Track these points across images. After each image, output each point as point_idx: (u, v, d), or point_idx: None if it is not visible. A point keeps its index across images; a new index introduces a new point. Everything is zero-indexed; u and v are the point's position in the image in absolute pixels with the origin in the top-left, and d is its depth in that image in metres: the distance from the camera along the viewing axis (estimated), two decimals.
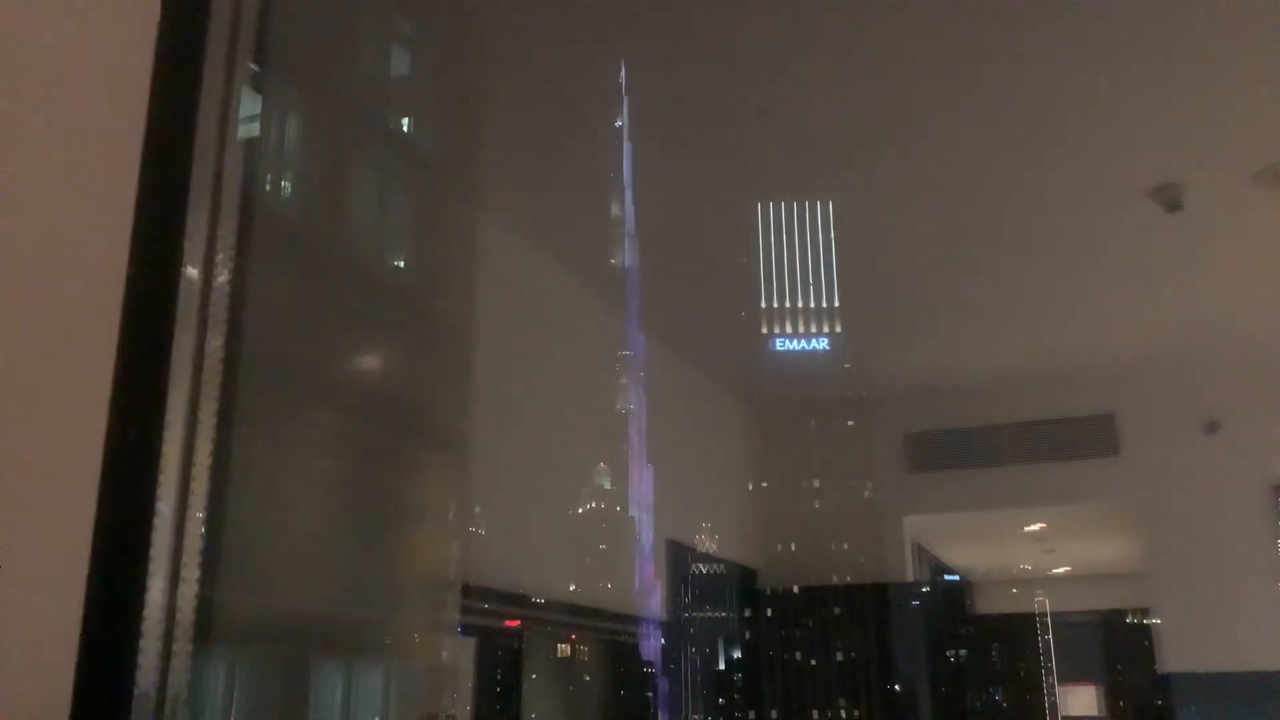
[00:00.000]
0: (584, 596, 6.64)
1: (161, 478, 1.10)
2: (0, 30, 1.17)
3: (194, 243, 1.16)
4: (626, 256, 6.42)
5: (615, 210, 6.15)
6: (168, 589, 1.11)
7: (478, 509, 5.16)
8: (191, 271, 1.15)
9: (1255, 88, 4.70)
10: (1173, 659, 8.58)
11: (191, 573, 1.12)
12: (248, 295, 1.23)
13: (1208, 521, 8.30)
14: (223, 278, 1.18)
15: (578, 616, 6.72)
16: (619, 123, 5.20)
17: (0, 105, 1.16)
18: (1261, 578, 8.37)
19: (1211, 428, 8.25)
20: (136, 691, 1.03)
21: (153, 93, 1.17)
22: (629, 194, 5.97)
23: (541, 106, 4.80)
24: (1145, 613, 10.27)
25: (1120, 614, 11.65)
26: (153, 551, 1.09)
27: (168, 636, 1.09)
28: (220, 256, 1.18)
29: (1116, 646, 11.86)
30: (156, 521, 1.11)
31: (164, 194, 1.17)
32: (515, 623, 6.09)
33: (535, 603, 6.17)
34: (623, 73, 4.72)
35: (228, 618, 1.21)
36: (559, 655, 6.83)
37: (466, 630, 5.45)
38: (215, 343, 1.18)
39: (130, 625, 1.07)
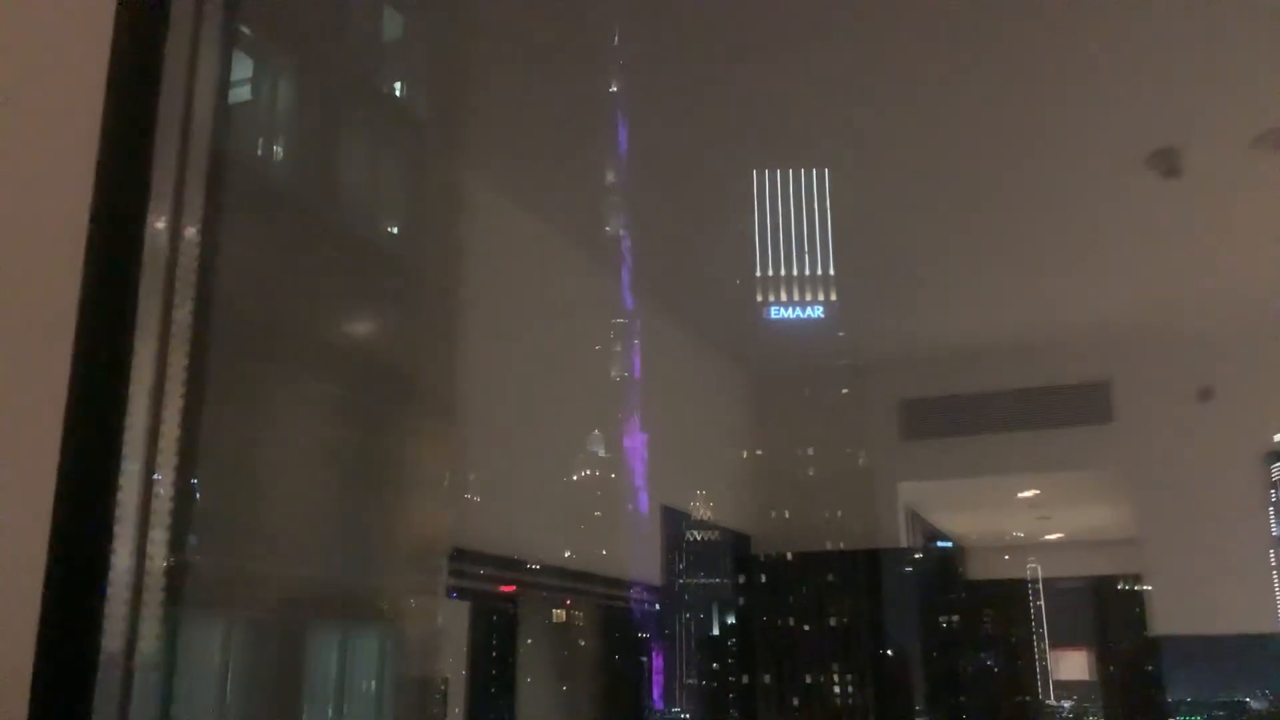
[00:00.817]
0: (579, 562, 6.66)
1: (128, 438, 1.08)
2: None
3: (160, 193, 1.12)
4: (621, 223, 6.39)
5: (610, 177, 6.11)
6: (135, 551, 1.09)
7: (472, 475, 5.16)
8: (158, 224, 1.12)
9: (1254, 52, 4.64)
10: (1163, 623, 8.66)
11: (160, 534, 1.10)
12: (223, 256, 1.20)
13: (1200, 488, 8.34)
14: (190, 233, 1.15)
15: (573, 581, 6.75)
16: (613, 88, 5.15)
17: None
18: (1251, 543, 8.43)
19: (1205, 395, 8.26)
20: (102, 655, 1.02)
21: (116, 36, 1.12)
22: (624, 160, 5.93)
23: (536, 72, 4.75)
24: (1137, 579, 10.33)
25: (1112, 580, 11.72)
26: (119, 512, 1.07)
27: (135, 598, 1.07)
28: (188, 208, 1.14)
29: (1108, 612, 11.95)
30: (122, 481, 1.08)
31: (128, 144, 1.13)
32: (511, 588, 6.12)
33: (530, 568, 6.19)
34: (616, 38, 4.67)
35: (208, 582, 1.19)
36: (554, 620, 6.87)
37: (461, 595, 5.47)
38: (183, 300, 1.15)
39: (94, 586, 1.05)
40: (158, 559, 1.10)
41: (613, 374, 7.05)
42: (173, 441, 1.12)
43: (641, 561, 7.40)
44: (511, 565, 5.94)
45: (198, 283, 1.14)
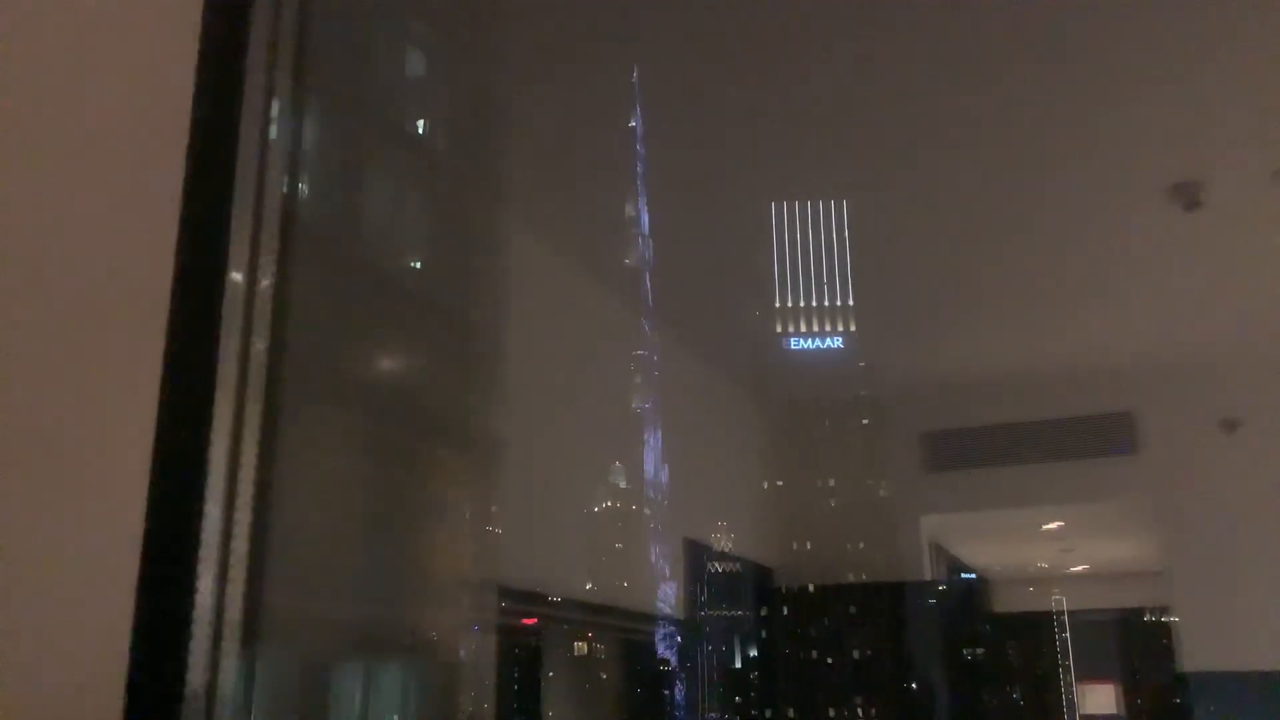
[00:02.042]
0: (601, 595, 6.65)
1: (210, 480, 1.13)
2: (51, 45, 1.20)
3: (238, 247, 1.19)
4: (642, 256, 6.43)
5: (630, 210, 6.17)
6: (216, 590, 1.13)
7: (494, 508, 5.18)
8: (236, 276, 1.18)
9: (1274, 86, 4.67)
10: (1192, 657, 8.54)
11: (239, 573, 1.14)
12: (289, 299, 1.25)
13: (1226, 520, 8.26)
14: (266, 281, 1.21)
15: (595, 615, 6.73)
16: (633, 124, 5.22)
17: (52, 116, 1.19)
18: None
19: (1230, 426, 8.20)
20: (187, 690, 1.06)
21: (196, 102, 1.20)
22: (644, 194, 5.99)
23: (557, 109, 4.83)
24: (1164, 611, 10.21)
25: (1139, 612, 11.59)
26: (201, 552, 1.11)
27: (216, 636, 1.11)
28: (263, 261, 1.21)
29: (1135, 645, 11.81)
30: (205, 523, 1.13)
31: (208, 200, 1.19)
32: (533, 620, 6.12)
33: (553, 601, 6.19)
34: (635, 74, 4.74)
35: (271, 618, 1.23)
36: (576, 653, 6.85)
37: (484, 628, 5.47)
38: (259, 346, 1.20)
39: (181, 625, 1.09)
40: (236, 597, 1.14)
41: (634, 406, 7.07)
42: (249, 485, 1.16)
43: (663, 594, 7.38)
44: (534, 598, 5.95)
45: (271, 330, 1.19)
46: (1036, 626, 12.10)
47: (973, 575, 12.05)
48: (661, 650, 7.46)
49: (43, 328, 1.16)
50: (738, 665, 9.09)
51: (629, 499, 6.92)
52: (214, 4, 1.23)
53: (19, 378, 1.14)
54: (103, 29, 1.26)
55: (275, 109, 1.24)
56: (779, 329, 7.64)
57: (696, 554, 8.06)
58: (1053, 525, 10.81)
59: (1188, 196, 5.48)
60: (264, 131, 1.22)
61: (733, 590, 8.81)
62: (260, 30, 1.25)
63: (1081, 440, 8.69)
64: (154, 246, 1.18)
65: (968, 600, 10.96)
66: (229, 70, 1.22)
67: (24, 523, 1.12)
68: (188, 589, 1.10)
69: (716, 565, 8.55)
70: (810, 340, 7.64)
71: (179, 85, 1.21)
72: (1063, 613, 12.24)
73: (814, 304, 7.38)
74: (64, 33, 1.25)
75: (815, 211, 6.63)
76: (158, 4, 1.29)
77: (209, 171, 1.19)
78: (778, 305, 7.49)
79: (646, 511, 6.97)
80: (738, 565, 8.80)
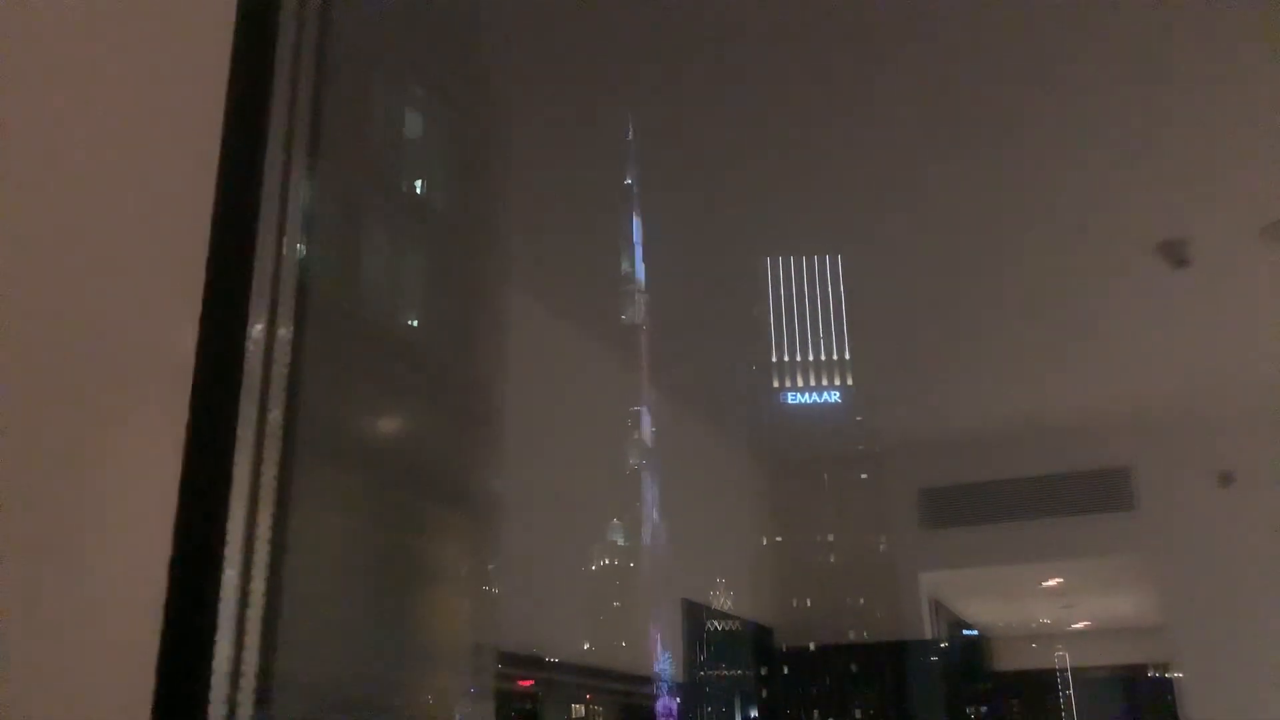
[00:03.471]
0: (598, 656, 6.58)
1: (228, 547, 1.16)
2: (74, 115, 1.25)
3: (257, 316, 1.24)
4: (637, 312, 6.46)
5: (625, 266, 6.21)
6: (233, 656, 1.15)
7: (490, 567, 5.14)
8: (254, 342, 1.22)
9: (1260, 143, 4.76)
10: (1195, 713, 8.44)
11: (254, 639, 1.16)
12: (302, 364, 1.29)
13: (1226, 574, 8.22)
14: (283, 347, 1.25)
15: (593, 677, 6.65)
16: (627, 180, 5.28)
17: (80, 186, 1.24)
18: None
19: (1226, 480, 8.21)
20: None
21: (220, 174, 1.26)
22: (639, 250, 6.03)
23: (552, 166, 4.88)
24: (1166, 667, 10.12)
25: (1141, 668, 11.49)
26: (219, 619, 1.14)
27: (231, 705, 1.12)
28: (281, 332, 1.25)
29: (1138, 701, 11.68)
30: (223, 589, 1.15)
31: (230, 272, 1.25)
32: (529, 683, 6.04)
33: (550, 663, 6.11)
34: (630, 131, 4.80)
35: (281, 685, 1.24)
36: (574, 716, 6.75)
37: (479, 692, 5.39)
38: (275, 413, 1.25)
39: (199, 694, 1.11)
40: (251, 663, 1.16)
41: (630, 463, 7.05)
42: (265, 546, 1.19)
43: (661, 655, 7.29)
44: (530, 661, 5.87)
45: (287, 390, 1.23)
46: (1040, 684, 11.98)
47: (974, 632, 11.95)
48: (661, 712, 7.35)
49: (69, 394, 1.20)
50: None
51: (626, 557, 6.88)
52: (237, 75, 1.29)
53: (42, 436, 1.17)
54: (133, 104, 1.32)
55: (293, 178, 1.29)
56: (775, 384, 7.65)
57: (695, 613, 7.98)
58: (1053, 582, 10.74)
59: (1176, 254, 5.55)
60: (283, 201, 1.27)
61: (732, 650, 8.71)
62: (280, 100, 1.32)
63: (1079, 496, 8.68)
64: (177, 318, 1.24)
65: (970, 658, 10.86)
66: (252, 139, 1.28)
67: (46, 584, 1.15)
68: (206, 655, 1.12)
69: (715, 624, 8.46)
70: (807, 395, 7.65)
71: (205, 149, 1.28)
72: (1066, 670, 12.12)
73: (810, 359, 7.40)
74: (95, 109, 1.30)
75: (811, 267, 6.68)
76: (186, 72, 1.35)
77: (231, 242, 1.25)
78: (774, 360, 7.50)
79: (644, 570, 6.92)
80: (737, 624, 8.71)
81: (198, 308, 1.22)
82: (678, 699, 7.37)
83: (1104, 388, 7.82)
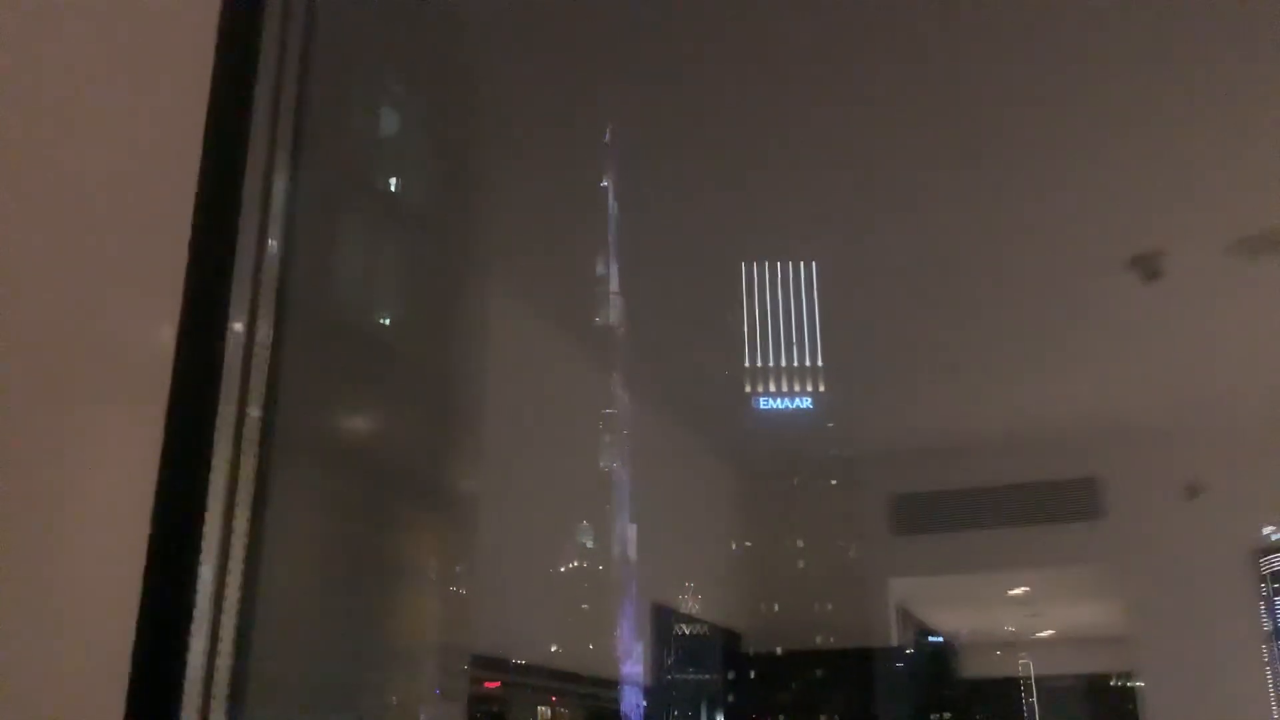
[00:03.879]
0: (566, 659, 6.55)
1: (204, 544, 1.15)
2: (55, 110, 1.24)
3: (237, 314, 1.23)
4: (611, 315, 6.44)
5: (600, 269, 6.19)
6: (207, 653, 1.14)
7: (458, 568, 5.10)
8: (234, 343, 1.22)
9: (1232, 159, 4.81)
10: None
11: (229, 637, 1.16)
12: (281, 362, 1.28)
13: (1191, 585, 8.32)
14: (262, 344, 1.24)
15: (560, 679, 6.62)
16: (604, 183, 5.26)
17: (60, 182, 1.22)
18: (1244, 641, 8.38)
19: (1193, 492, 8.30)
20: None
21: (202, 171, 1.25)
22: (614, 253, 6.01)
23: (529, 167, 4.86)
24: (1129, 676, 10.22)
25: (1105, 677, 11.60)
26: (195, 615, 1.13)
27: (205, 702, 1.12)
28: (261, 330, 1.24)
29: (1101, 710, 11.79)
30: (199, 586, 1.14)
31: (211, 270, 1.23)
32: (496, 684, 6.00)
33: (516, 665, 6.07)
34: (608, 135, 4.79)
35: (253, 682, 1.23)
36: (540, 719, 6.71)
37: (445, 693, 5.35)
38: (254, 411, 1.23)
39: (172, 690, 1.10)
40: (225, 661, 1.15)
41: (601, 466, 7.03)
42: (241, 545, 1.18)
43: (629, 658, 7.27)
44: (496, 664, 5.83)
45: (267, 388, 1.22)
46: (1004, 691, 12.07)
47: (940, 639, 12.01)
48: (627, 715, 7.33)
49: (46, 391, 1.20)
50: None
51: (595, 560, 6.85)
52: (220, 72, 1.28)
53: (21, 433, 1.17)
54: (115, 101, 1.32)
55: (275, 176, 1.28)
56: (748, 389, 7.65)
57: (664, 617, 7.97)
58: (1019, 590, 10.83)
59: (1149, 267, 5.60)
60: (265, 200, 1.26)
61: (700, 654, 8.70)
62: (263, 98, 1.31)
63: (1047, 505, 8.75)
64: (157, 317, 1.23)
65: (936, 665, 10.92)
66: (234, 136, 1.27)
67: (20, 579, 1.16)
68: (180, 652, 1.11)
69: (684, 628, 8.45)
70: (779, 400, 7.65)
71: (186, 147, 1.26)
72: (1030, 678, 12.22)
73: (783, 364, 7.41)
74: (76, 105, 1.31)
75: (785, 273, 6.69)
76: (168, 69, 1.34)
77: (212, 240, 1.24)
78: (747, 365, 7.51)
79: (613, 573, 6.89)
80: (705, 628, 8.71)
81: (178, 305, 1.20)
82: (644, 702, 7.35)
83: (1075, 398, 7.89)
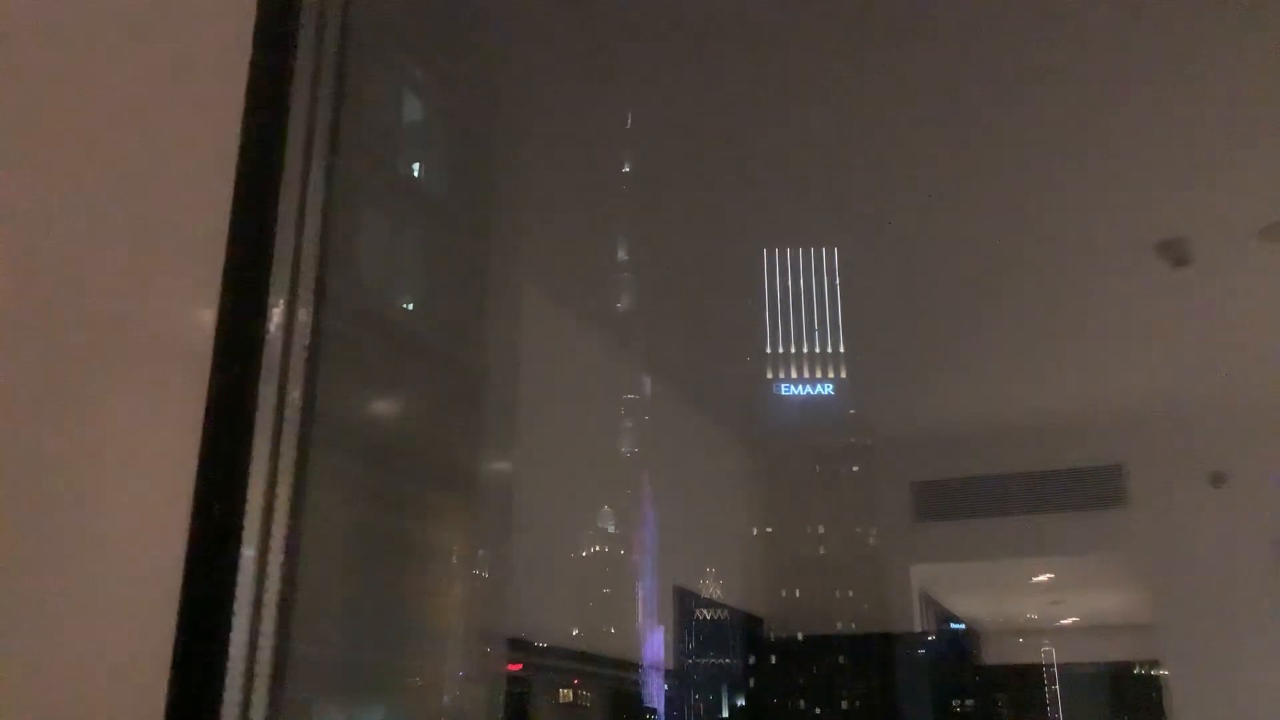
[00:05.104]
0: (587, 642, 6.59)
1: (245, 527, 1.16)
2: (99, 102, 1.26)
3: (276, 300, 1.24)
4: (634, 300, 6.46)
5: (622, 254, 6.20)
6: (249, 633, 1.16)
7: (484, 552, 5.15)
8: (274, 325, 1.23)
9: (1261, 143, 4.76)
10: (1181, 711, 8.51)
11: (270, 618, 1.17)
12: (319, 348, 1.30)
13: (1216, 574, 8.26)
14: (302, 337, 1.26)
15: (582, 662, 6.66)
16: (625, 169, 5.27)
17: (102, 171, 1.25)
18: (1269, 630, 8.31)
19: (1219, 480, 8.24)
20: None
21: (240, 159, 1.27)
22: (637, 239, 6.03)
23: (552, 156, 4.87)
24: (1154, 664, 10.18)
25: (1128, 665, 11.52)
26: (237, 596, 1.15)
27: (248, 681, 1.14)
28: (301, 315, 1.26)
29: (1125, 698, 11.73)
30: (240, 570, 1.16)
31: (250, 256, 1.25)
32: (518, 667, 6.05)
33: (538, 647, 6.13)
34: (629, 121, 4.79)
35: (293, 665, 1.25)
36: (561, 701, 6.76)
37: (469, 675, 5.40)
38: (294, 395, 1.25)
39: (216, 670, 1.12)
40: (267, 642, 1.17)
41: (623, 451, 7.05)
42: (283, 527, 1.20)
43: (650, 641, 7.31)
44: (519, 645, 5.88)
45: (306, 373, 1.24)
46: (1026, 678, 12.02)
47: (962, 626, 11.99)
48: (648, 698, 7.37)
49: (90, 375, 1.22)
50: (725, 715, 8.99)
51: (617, 544, 6.88)
52: (258, 62, 1.30)
53: (63, 421, 1.19)
54: (155, 90, 1.34)
55: (313, 164, 1.30)
56: (769, 375, 7.66)
57: (685, 601, 8.00)
58: (1043, 577, 10.78)
59: (1176, 253, 5.55)
60: (303, 187, 1.28)
61: (721, 638, 8.73)
62: (301, 88, 1.32)
63: (1071, 493, 8.70)
64: (199, 298, 1.25)
65: (957, 651, 10.90)
66: (272, 124, 1.29)
67: (66, 566, 1.17)
68: (223, 632, 1.13)
69: (705, 612, 8.48)
70: (801, 387, 7.66)
71: (225, 134, 1.29)
72: (1052, 665, 12.17)
73: (805, 350, 7.41)
74: (118, 96, 1.34)
75: (807, 259, 6.69)
76: (207, 59, 1.37)
77: (251, 227, 1.26)
78: (768, 351, 7.51)
79: (635, 557, 6.93)
80: (726, 613, 8.73)
81: (217, 290, 1.22)
82: (665, 686, 7.40)
83: (1100, 385, 7.84)
